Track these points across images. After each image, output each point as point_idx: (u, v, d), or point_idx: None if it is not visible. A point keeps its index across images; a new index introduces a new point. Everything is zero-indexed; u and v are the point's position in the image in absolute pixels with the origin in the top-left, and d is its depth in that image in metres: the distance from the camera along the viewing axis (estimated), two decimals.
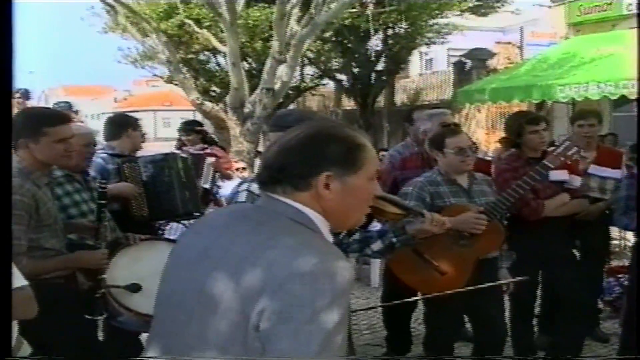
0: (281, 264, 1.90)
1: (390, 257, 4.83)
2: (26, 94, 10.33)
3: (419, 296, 5.24)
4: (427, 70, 33.33)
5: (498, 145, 18.92)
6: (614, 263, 8.40)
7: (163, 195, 5.94)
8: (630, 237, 6.26)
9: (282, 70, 16.10)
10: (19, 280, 2.88)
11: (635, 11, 16.69)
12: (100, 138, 6.19)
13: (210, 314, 1.96)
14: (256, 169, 2.08)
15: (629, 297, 5.69)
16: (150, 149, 8.63)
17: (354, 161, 2.13)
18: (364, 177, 2.15)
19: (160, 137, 52.51)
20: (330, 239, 2.19)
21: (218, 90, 23.21)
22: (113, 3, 17.35)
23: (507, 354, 5.57)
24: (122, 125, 6.15)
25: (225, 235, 2.08)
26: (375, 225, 4.55)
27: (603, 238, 6.97)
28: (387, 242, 3.99)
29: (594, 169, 6.26)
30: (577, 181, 5.83)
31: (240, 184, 3.71)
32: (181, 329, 2.05)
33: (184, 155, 6.82)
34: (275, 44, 15.75)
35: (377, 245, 3.99)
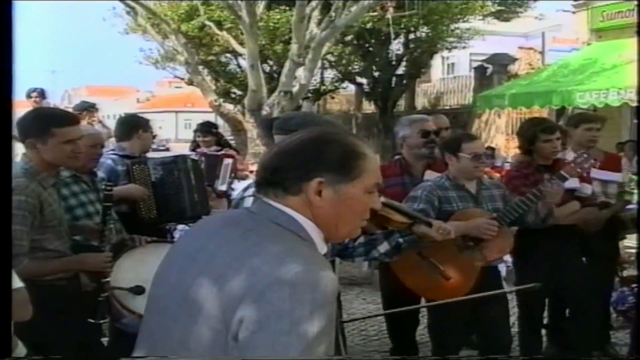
0: (263, 272, 1.87)
1: (396, 261, 4.71)
2: (42, 94, 10.37)
3: (422, 303, 5.24)
4: (449, 74, 33.20)
5: (518, 151, 18.85)
6: (629, 272, 8.28)
7: (172, 197, 5.93)
8: None
9: (300, 73, 16.10)
10: (14, 282, 2.88)
11: None
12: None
13: (193, 320, 1.94)
14: None
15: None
16: (172, 150, 8.65)
17: (350, 169, 2.07)
18: (361, 187, 2.09)
19: (181, 138, 52.64)
20: (324, 246, 2.14)
21: (238, 92, 23.24)
22: (133, 4, 17.40)
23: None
24: (133, 126, 6.15)
25: (215, 240, 2.06)
26: None
27: (611, 246, 6.87)
28: (393, 243, 3.96)
29: (595, 172, 6.18)
30: (587, 189, 5.80)
31: (246, 189, 3.59)
32: (165, 334, 2.04)
33: (195, 157, 6.79)
34: (294, 47, 15.77)
35: (383, 247, 3.96)
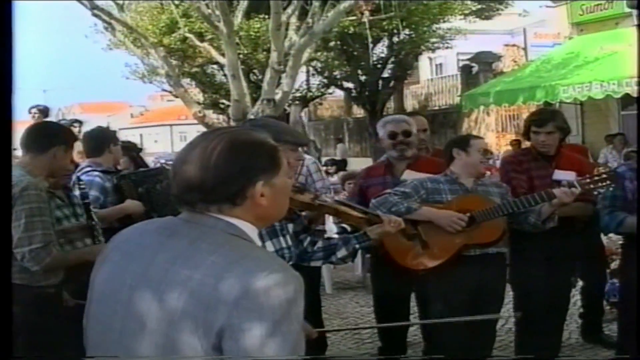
0: (231, 280, 1.90)
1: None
2: (45, 111, 10.39)
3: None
4: (437, 75, 33.24)
5: (509, 147, 18.87)
6: (617, 264, 8.22)
7: (159, 209, 5.86)
8: None
9: (282, 80, 16.07)
10: None
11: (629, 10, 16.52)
12: None
13: (156, 336, 1.95)
14: None
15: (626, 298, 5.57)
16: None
17: (276, 163, 2.15)
18: (284, 173, 2.18)
19: (177, 150, 52.70)
20: (259, 242, 2.18)
21: (226, 102, 23.23)
22: (110, 20, 17.39)
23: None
24: (103, 140, 6.11)
25: (162, 254, 2.03)
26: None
27: (600, 239, 6.83)
28: (350, 248, 4.12)
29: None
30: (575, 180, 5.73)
31: None
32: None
33: None
34: (273, 55, 15.73)
35: (341, 253, 4.11)
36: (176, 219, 2.21)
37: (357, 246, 4.14)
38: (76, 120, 10.19)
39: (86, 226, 4.73)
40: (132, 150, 7.53)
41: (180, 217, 2.19)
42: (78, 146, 5.67)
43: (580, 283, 7.22)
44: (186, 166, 2.08)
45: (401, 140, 5.75)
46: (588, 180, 4.98)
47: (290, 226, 3.85)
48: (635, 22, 8.88)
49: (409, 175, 5.52)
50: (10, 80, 2.32)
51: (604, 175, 4.98)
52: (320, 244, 4.09)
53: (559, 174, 5.56)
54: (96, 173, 5.81)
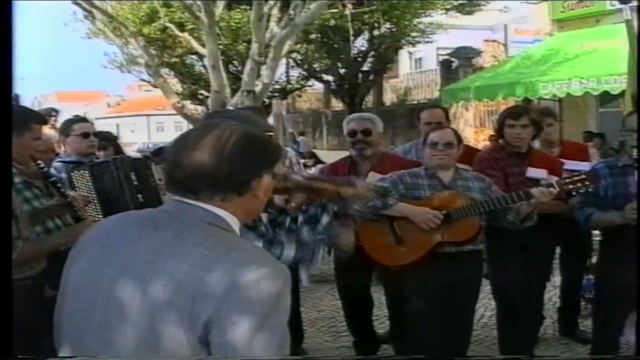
0: (220, 273, 1.88)
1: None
2: (15, 99, 10.28)
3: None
4: (417, 69, 33.29)
5: (487, 143, 18.91)
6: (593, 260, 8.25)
7: (114, 200, 5.79)
8: None
9: (263, 72, 16.02)
10: None
11: (618, 6, 16.54)
12: None
13: (139, 327, 1.93)
14: None
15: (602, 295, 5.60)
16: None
17: (277, 160, 2.22)
18: (273, 170, 2.21)
19: (154, 140, 52.48)
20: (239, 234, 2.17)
21: (205, 93, 23.14)
22: (91, 8, 17.26)
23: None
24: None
25: (146, 246, 2.00)
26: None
27: (584, 236, 6.85)
28: (331, 212, 4.09)
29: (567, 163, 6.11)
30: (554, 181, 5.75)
31: None
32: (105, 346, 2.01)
33: (138, 157, 6.65)
34: (254, 46, 15.68)
35: (325, 219, 4.07)
36: (158, 210, 2.18)
37: (335, 208, 4.13)
38: (53, 109, 10.10)
39: (62, 203, 4.64)
40: (110, 140, 7.46)
41: (163, 209, 2.16)
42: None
43: (555, 278, 7.25)
44: (196, 152, 2.05)
45: (360, 139, 5.77)
46: (567, 180, 5.01)
47: (264, 216, 3.83)
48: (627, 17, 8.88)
49: (374, 177, 5.50)
50: (10, 80, 2.34)
51: (583, 176, 5.02)
52: (301, 218, 4.08)
53: (532, 172, 5.58)
54: (57, 163, 5.77)
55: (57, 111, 10.21)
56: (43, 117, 4.52)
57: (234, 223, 2.11)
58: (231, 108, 15.59)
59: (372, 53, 24.83)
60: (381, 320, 6.98)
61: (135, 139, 52.71)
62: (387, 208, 5.04)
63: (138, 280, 1.95)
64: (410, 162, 5.67)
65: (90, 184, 5.71)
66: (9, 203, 2.58)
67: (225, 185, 2.06)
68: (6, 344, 2.28)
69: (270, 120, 15.33)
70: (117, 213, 6.22)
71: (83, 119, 6.23)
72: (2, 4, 2.29)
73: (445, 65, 25.14)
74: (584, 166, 6.23)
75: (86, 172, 5.76)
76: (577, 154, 6.49)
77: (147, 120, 69.91)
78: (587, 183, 4.96)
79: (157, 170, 5.81)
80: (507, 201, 5.02)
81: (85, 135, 5.95)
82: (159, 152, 8.38)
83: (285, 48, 16.74)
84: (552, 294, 7.53)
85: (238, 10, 20.05)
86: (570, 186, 4.98)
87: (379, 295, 6.52)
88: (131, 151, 18.58)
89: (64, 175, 5.68)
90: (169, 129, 60.33)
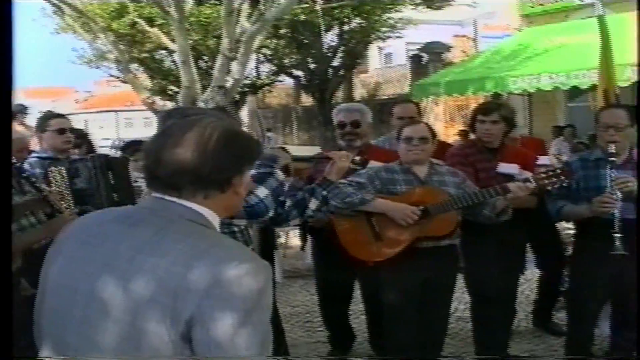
0: (201, 270, 1.88)
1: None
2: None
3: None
4: (386, 64, 33.34)
5: (457, 137, 19.00)
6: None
7: (89, 199, 5.75)
8: None
9: (234, 67, 15.95)
10: None
11: (587, 1, 16.66)
12: None
13: (121, 325, 1.92)
14: None
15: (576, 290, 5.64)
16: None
17: (256, 156, 2.27)
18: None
19: (123, 137, 52.11)
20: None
21: (175, 89, 22.98)
22: (59, 4, 17.08)
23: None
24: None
25: (127, 243, 2.00)
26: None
27: (553, 230, 6.91)
28: (320, 197, 4.21)
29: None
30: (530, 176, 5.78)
31: None
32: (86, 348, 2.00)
33: (116, 156, 6.61)
34: (225, 41, 15.58)
35: (313, 204, 4.20)
36: (138, 207, 2.18)
37: (324, 193, 4.22)
38: (22, 106, 10.04)
39: (37, 198, 4.62)
40: (83, 137, 7.42)
41: (143, 206, 2.17)
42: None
43: (529, 271, 7.31)
44: (178, 149, 2.05)
45: (349, 131, 5.79)
46: (543, 175, 5.05)
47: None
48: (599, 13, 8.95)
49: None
50: (10, 80, 2.31)
51: (559, 171, 5.07)
52: (289, 202, 4.13)
53: (503, 167, 5.61)
54: (32, 159, 5.73)
55: (26, 108, 10.15)
56: (13, 114, 4.43)
57: (214, 219, 2.11)
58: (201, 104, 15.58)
59: (342, 48, 24.76)
60: (356, 315, 7.00)
61: (104, 135, 52.32)
62: (364, 204, 5.05)
63: (119, 278, 1.94)
64: (395, 154, 5.71)
65: (66, 180, 5.68)
66: (8, 203, 2.54)
67: (208, 182, 2.06)
68: (6, 344, 2.25)
69: (245, 116, 15.28)
70: (91, 212, 6.26)
71: (59, 115, 6.20)
72: (2, 4, 2.29)
73: (415, 60, 25.20)
74: (544, 159, 6.31)
75: (63, 168, 5.73)
76: (535, 148, 6.57)
77: (115, 116, 69.41)
78: (562, 178, 5.01)
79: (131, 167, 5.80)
80: (484, 196, 5.05)
81: (61, 131, 5.91)
82: (127, 147, 8.35)
83: (256, 43, 16.67)
84: (525, 287, 7.60)
85: (208, 5, 19.93)
86: (546, 181, 5.02)
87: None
88: (104, 148, 18.48)
89: (38, 171, 5.64)
90: (137, 125, 60.07)
